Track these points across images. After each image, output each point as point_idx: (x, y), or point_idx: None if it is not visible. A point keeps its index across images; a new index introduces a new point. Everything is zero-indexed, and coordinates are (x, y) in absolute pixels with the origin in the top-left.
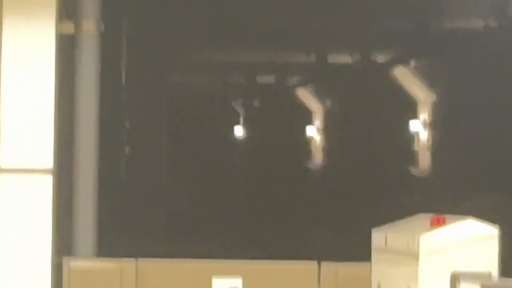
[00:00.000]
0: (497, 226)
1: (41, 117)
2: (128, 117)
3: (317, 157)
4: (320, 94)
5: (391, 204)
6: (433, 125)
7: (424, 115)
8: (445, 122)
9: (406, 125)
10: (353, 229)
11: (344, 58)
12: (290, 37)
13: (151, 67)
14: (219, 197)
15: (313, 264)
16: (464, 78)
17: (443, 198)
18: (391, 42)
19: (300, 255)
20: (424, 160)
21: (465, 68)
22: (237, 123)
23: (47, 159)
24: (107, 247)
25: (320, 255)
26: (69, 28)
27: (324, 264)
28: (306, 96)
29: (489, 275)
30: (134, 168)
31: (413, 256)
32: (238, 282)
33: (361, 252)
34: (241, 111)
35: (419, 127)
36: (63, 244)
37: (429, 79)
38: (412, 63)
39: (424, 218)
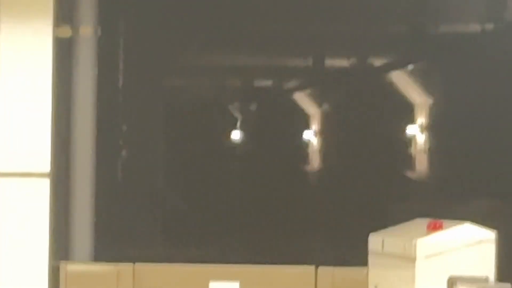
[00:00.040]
0: (494, 231)
1: (38, 120)
2: (125, 121)
3: (314, 161)
4: (317, 98)
5: (388, 209)
6: (430, 129)
7: (421, 119)
8: (443, 126)
9: (403, 129)
10: (350, 234)
11: (341, 62)
12: (287, 41)
13: (148, 71)
14: (216, 201)
15: (310, 268)
16: (462, 82)
17: (440, 203)
18: (388, 46)
19: (297, 259)
20: (421, 164)
21: (462, 72)
22: (234, 127)
23: (44, 163)
24: (104, 251)
25: (317, 259)
26: (66, 32)
27: (321, 268)
28: (303, 100)
29: (486, 280)
30: (131, 172)
31: (410, 260)
32: (235, 286)
33: (358, 256)
34: (238, 115)
35: (416, 131)
36: (60, 248)
37: (426, 83)
38: (409, 67)
39: (421, 223)
